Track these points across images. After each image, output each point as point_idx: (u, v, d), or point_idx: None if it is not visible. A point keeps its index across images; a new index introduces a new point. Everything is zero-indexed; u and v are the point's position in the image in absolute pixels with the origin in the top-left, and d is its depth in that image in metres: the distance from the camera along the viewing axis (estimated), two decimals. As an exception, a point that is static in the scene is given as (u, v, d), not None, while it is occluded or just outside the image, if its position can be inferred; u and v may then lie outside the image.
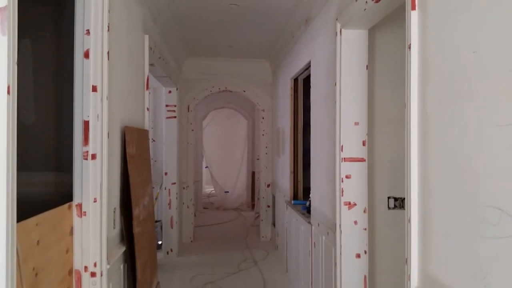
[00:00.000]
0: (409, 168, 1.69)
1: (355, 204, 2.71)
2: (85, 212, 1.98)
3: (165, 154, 5.68)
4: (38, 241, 1.68)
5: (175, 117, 5.69)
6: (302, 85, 4.85)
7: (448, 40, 1.47)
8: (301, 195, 4.87)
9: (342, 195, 2.71)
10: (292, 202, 4.70)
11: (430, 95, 1.59)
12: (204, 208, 9.62)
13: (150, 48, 3.46)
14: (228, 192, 10.20)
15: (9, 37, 1.14)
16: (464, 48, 1.38)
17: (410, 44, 1.70)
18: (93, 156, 1.99)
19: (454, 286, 1.41)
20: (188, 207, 6.39)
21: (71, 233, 2.00)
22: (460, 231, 1.39)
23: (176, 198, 5.68)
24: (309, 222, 3.67)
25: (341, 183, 2.71)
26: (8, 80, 1.14)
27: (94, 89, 1.99)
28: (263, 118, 6.59)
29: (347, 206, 2.71)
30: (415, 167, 1.68)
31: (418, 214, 1.67)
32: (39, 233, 1.69)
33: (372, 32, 2.87)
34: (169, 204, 5.63)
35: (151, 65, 3.82)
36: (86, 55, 1.98)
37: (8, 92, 1.14)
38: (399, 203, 2.92)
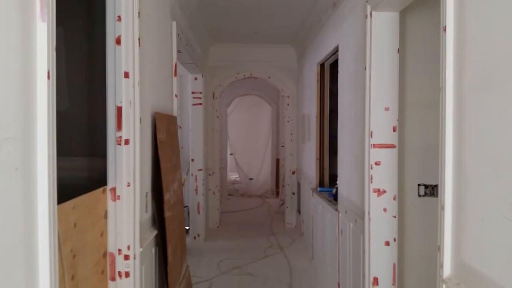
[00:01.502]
0: (444, 153, 1.65)
1: (384, 191, 2.68)
2: (119, 196, 2.03)
3: (191, 140, 5.75)
4: (75, 224, 1.73)
5: (201, 104, 5.73)
6: (329, 71, 4.79)
7: (487, 21, 1.42)
8: (327, 182, 4.84)
9: (371, 182, 2.68)
10: (318, 189, 4.69)
11: (466, 78, 1.54)
12: (229, 194, 9.71)
13: (178, 35, 3.48)
14: (252, 179, 10.25)
15: (48, 24, 1.16)
16: (505, 28, 1.32)
17: (445, 26, 1.65)
18: (126, 142, 2.02)
19: (490, 274, 1.39)
20: (214, 193, 6.46)
21: (106, 216, 2.05)
22: (497, 217, 1.35)
23: (203, 184, 5.75)
24: (336, 209, 3.65)
25: (370, 169, 2.68)
26: (48, 65, 1.16)
27: (126, 75, 2.01)
28: (288, 104, 6.56)
29: (376, 193, 2.68)
30: (449, 153, 1.64)
31: (452, 200, 1.63)
32: (76, 216, 1.74)
33: (403, 15, 2.79)
34: (196, 190, 5.71)
35: (178, 52, 3.83)
36: (118, 41, 2.01)
37: (48, 77, 1.17)
38: (430, 190, 2.87)
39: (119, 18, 2.01)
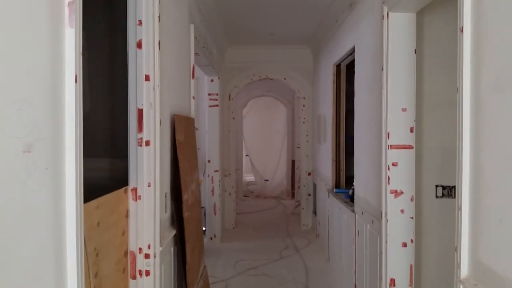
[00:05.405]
0: (461, 154, 1.65)
1: (401, 192, 2.68)
2: (140, 196, 2.08)
3: (208, 142, 5.80)
4: (98, 223, 1.78)
5: (217, 105, 5.78)
6: (345, 71, 4.79)
7: (504, 21, 1.43)
8: (344, 183, 4.84)
9: (388, 183, 2.68)
10: (334, 190, 4.69)
11: (484, 79, 1.54)
12: (244, 196, 9.75)
13: (195, 37, 3.53)
14: (268, 180, 10.26)
15: (76, 30, 1.21)
16: (524, 29, 1.33)
17: (462, 27, 1.65)
18: (147, 143, 2.07)
19: (507, 275, 1.39)
20: (230, 194, 6.51)
21: (127, 216, 2.10)
22: (516, 218, 1.35)
23: (219, 185, 5.80)
24: (353, 211, 3.65)
25: (387, 170, 2.68)
26: (76, 69, 1.21)
27: (147, 78, 2.06)
28: (303, 105, 6.57)
29: (393, 194, 2.68)
30: (467, 154, 1.64)
31: (469, 201, 1.63)
32: (99, 215, 1.79)
33: (420, 15, 2.79)
34: (212, 191, 5.76)
35: (195, 54, 3.88)
36: (139, 45, 2.06)
37: (76, 81, 1.21)
38: (447, 191, 2.86)
39: (140, 23, 2.06)
